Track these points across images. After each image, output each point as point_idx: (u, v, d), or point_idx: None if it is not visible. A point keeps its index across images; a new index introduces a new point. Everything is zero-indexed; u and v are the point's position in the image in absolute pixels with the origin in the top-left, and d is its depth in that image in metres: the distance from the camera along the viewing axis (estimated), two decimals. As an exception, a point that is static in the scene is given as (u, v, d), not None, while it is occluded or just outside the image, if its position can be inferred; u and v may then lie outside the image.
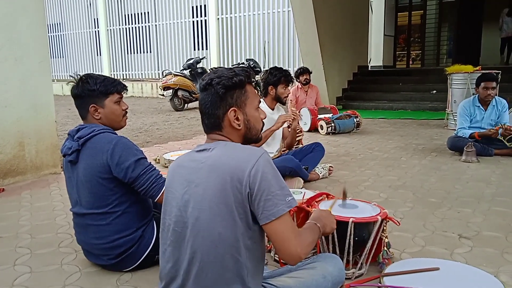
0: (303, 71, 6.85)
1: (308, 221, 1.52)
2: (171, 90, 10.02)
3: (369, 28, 11.80)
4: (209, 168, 1.34)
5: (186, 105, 10.39)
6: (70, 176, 2.12)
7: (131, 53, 15.87)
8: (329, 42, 9.29)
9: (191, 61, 10.76)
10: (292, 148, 3.85)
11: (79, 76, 2.13)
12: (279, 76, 3.49)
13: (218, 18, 13.40)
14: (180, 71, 10.82)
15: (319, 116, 6.52)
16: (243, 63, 10.77)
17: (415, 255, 2.26)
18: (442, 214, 2.91)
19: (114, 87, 2.11)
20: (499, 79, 4.92)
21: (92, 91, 2.06)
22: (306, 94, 6.99)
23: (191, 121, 8.37)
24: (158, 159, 4.66)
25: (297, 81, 6.98)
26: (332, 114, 6.63)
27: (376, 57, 12.75)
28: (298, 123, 6.21)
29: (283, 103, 3.64)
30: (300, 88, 7.00)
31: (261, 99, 3.60)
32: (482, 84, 4.62)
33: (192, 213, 1.34)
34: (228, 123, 1.43)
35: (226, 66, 12.08)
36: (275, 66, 3.69)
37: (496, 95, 4.74)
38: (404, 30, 15.33)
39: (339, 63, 9.89)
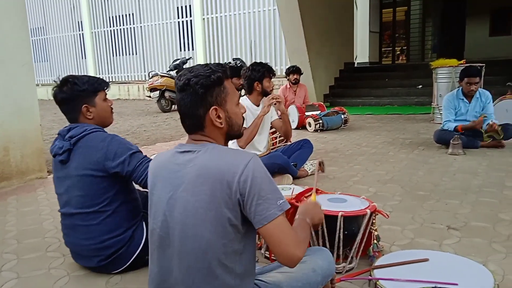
0: (294, 71, 6.81)
1: (296, 217, 1.50)
2: (158, 92, 9.96)
3: (354, 25, 11.87)
4: (196, 172, 1.30)
5: (173, 106, 10.32)
6: (59, 176, 2.09)
7: (116, 55, 15.73)
8: (315, 40, 9.32)
9: (177, 62, 10.71)
10: (290, 137, 3.79)
11: (61, 79, 2.09)
12: (262, 71, 3.47)
13: (204, 18, 13.36)
14: (167, 72, 10.76)
15: (307, 114, 6.53)
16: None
17: (405, 247, 2.28)
18: (430, 206, 2.94)
19: (100, 84, 2.12)
20: (483, 73, 4.97)
21: (82, 91, 2.04)
22: (295, 94, 6.97)
23: (179, 122, 8.18)
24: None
25: (286, 78, 6.97)
26: (319, 111, 6.64)
27: (362, 53, 12.83)
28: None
29: (269, 94, 3.60)
30: (289, 87, 6.98)
31: (245, 97, 3.58)
32: (465, 79, 4.64)
33: (178, 219, 1.31)
34: (210, 123, 1.38)
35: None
36: (255, 62, 3.65)
37: (480, 87, 4.78)
38: (389, 27, 15.48)
39: (325, 61, 9.93)
